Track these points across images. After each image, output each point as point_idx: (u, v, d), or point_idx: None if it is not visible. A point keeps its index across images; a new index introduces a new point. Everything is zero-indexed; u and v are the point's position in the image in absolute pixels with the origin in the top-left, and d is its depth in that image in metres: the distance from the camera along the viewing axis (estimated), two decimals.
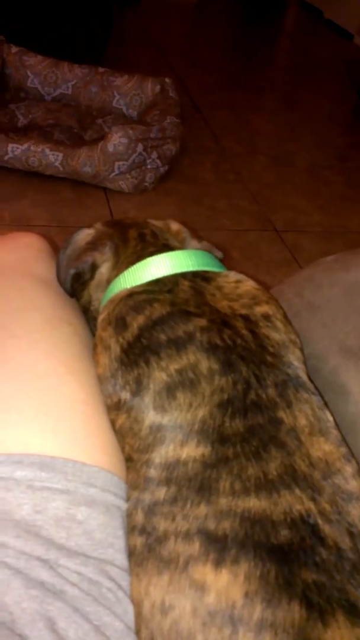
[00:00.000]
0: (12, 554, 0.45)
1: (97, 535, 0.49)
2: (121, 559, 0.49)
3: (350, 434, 0.55)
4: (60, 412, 0.54)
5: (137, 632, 0.45)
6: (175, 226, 0.67)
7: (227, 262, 0.64)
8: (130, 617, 0.46)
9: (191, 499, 0.45)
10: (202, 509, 0.44)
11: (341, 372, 0.59)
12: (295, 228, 1.96)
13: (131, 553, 0.47)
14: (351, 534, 0.43)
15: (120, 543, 0.49)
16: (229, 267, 0.61)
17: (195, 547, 0.43)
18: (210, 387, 0.48)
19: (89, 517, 0.49)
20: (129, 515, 0.49)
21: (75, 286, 0.63)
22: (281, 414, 0.48)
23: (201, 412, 0.47)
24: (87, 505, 0.49)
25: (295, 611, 0.39)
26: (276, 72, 3.48)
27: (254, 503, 0.43)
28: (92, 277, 0.62)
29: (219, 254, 0.69)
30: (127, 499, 0.50)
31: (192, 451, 0.46)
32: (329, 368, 0.60)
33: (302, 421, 0.48)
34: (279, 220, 1.98)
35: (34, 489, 0.48)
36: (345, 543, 0.43)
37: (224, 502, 0.44)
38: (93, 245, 0.62)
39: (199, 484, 0.45)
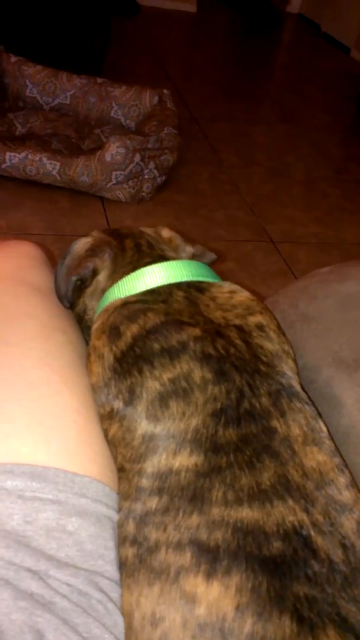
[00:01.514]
0: (2, 565, 0.45)
1: (88, 546, 0.48)
2: (112, 570, 0.48)
3: (343, 446, 0.55)
4: (52, 421, 0.53)
5: None
6: (166, 233, 0.67)
7: (222, 272, 0.64)
8: (120, 629, 0.46)
9: (183, 508, 0.44)
10: (194, 519, 0.43)
11: (335, 383, 0.59)
12: (291, 239, 1.96)
13: (122, 564, 0.47)
14: (344, 546, 0.43)
15: (111, 554, 0.49)
16: (225, 278, 0.62)
17: (187, 557, 0.42)
18: (203, 396, 0.48)
19: (80, 527, 0.48)
20: (120, 526, 0.48)
21: (75, 295, 0.63)
22: (275, 423, 0.48)
23: (194, 421, 0.47)
24: (78, 516, 0.49)
25: (286, 625, 0.39)
26: (274, 84, 3.50)
27: (247, 513, 0.43)
28: (89, 284, 0.62)
29: (212, 257, 0.69)
30: (119, 510, 0.49)
31: (185, 460, 0.46)
32: (322, 379, 0.60)
33: (295, 431, 0.48)
34: (275, 231, 1.99)
35: (25, 499, 0.48)
36: (338, 555, 0.42)
37: (216, 512, 0.43)
38: (93, 252, 0.62)
39: (191, 493, 0.45)
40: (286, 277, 1.77)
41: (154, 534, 0.45)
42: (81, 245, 0.64)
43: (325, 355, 0.61)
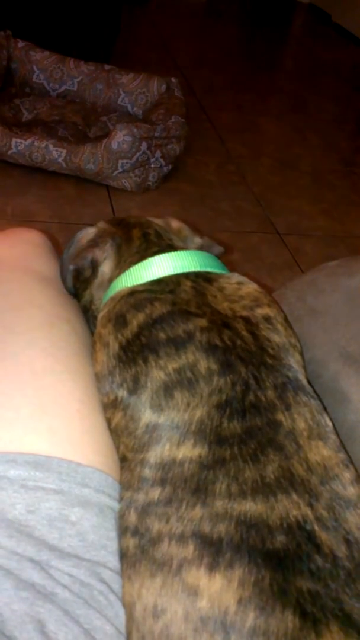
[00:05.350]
0: (4, 554, 0.45)
1: (90, 536, 0.48)
2: (114, 561, 0.48)
3: (349, 442, 0.54)
4: (56, 411, 0.53)
5: (128, 635, 0.44)
6: (175, 224, 0.67)
7: (228, 264, 0.63)
8: (121, 620, 0.46)
9: (186, 500, 0.44)
10: (198, 511, 0.43)
11: (341, 378, 0.58)
12: (298, 232, 1.95)
13: (123, 555, 0.47)
14: (347, 542, 0.43)
15: (113, 545, 0.49)
16: (230, 269, 0.61)
17: (190, 550, 0.42)
18: (208, 388, 0.48)
19: (83, 518, 0.48)
20: (122, 516, 0.48)
21: (77, 285, 0.63)
22: (280, 416, 0.47)
23: (199, 413, 0.47)
24: (81, 506, 0.48)
25: (288, 620, 0.39)
26: (283, 75, 3.47)
27: (250, 507, 0.43)
28: (94, 275, 0.62)
29: (220, 249, 0.69)
30: (120, 500, 0.49)
31: (189, 452, 0.46)
32: (329, 374, 0.59)
33: (300, 424, 0.47)
34: (282, 223, 1.97)
35: (28, 488, 0.48)
36: (342, 551, 0.42)
37: (219, 504, 0.43)
38: (94, 242, 0.62)
39: (194, 485, 0.44)
40: (292, 269, 1.76)
41: (156, 525, 0.44)
42: (85, 235, 0.64)
43: (333, 349, 0.60)
